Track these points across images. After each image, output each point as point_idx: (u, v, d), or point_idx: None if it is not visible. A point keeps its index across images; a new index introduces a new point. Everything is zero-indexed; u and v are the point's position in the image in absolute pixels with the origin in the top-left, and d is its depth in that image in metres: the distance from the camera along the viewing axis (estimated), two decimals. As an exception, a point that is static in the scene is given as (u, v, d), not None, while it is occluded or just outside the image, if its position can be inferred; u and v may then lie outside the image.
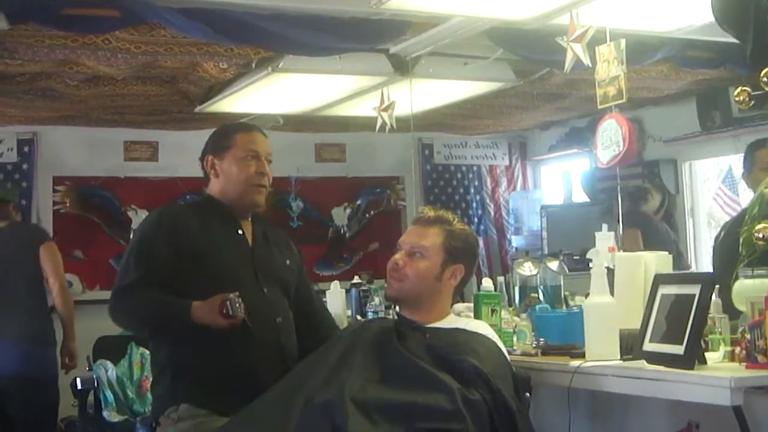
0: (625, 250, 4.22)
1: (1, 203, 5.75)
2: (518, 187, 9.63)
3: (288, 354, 3.59)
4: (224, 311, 3.38)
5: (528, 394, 3.32)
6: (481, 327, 3.50)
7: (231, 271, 3.63)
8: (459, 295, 4.06)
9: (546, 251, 7.77)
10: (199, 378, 3.51)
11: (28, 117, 7.21)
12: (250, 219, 3.83)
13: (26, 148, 7.76)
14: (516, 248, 9.12)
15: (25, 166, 7.60)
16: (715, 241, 5.16)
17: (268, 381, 3.37)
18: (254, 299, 3.55)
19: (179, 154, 8.21)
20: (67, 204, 7.90)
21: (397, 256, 3.46)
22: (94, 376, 6.11)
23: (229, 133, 3.86)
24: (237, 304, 3.39)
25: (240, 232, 3.76)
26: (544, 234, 8.26)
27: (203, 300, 3.46)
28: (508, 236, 9.39)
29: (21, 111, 6.90)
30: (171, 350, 3.61)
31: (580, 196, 8.68)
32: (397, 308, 3.64)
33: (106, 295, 7.84)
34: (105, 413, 5.98)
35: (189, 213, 3.84)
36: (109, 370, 6.09)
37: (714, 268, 5.01)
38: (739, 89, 3.28)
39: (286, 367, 3.50)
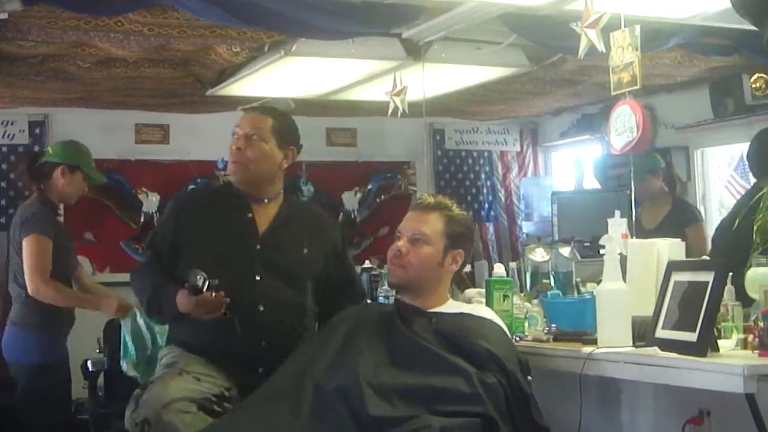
0: (693, 248, 4.13)
1: (44, 168, 5.40)
2: (529, 173, 9.60)
3: (267, 341, 3.70)
4: (185, 284, 3.53)
5: (529, 378, 3.32)
6: (486, 311, 3.55)
7: (223, 256, 3.74)
8: (468, 281, 4.09)
9: (557, 237, 7.75)
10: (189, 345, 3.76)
11: (39, 99, 7.20)
12: (272, 202, 3.93)
13: (37, 130, 7.76)
14: (527, 234, 9.11)
15: (36, 148, 7.54)
16: (718, 229, 5.15)
17: (246, 362, 3.65)
18: (240, 284, 3.67)
19: (190, 137, 8.22)
20: (78, 186, 7.90)
21: (400, 243, 3.48)
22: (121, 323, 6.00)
23: None
24: (198, 277, 3.52)
25: (250, 215, 3.83)
26: (555, 220, 8.23)
27: None
28: (519, 222, 9.38)
29: (33, 93, 6.90)
30: (171, 325, 3.94)
31: (592, 183, 8.66)
32: (395, 294, 3.65)
33: (117, 277, 7.94)
34: (123, 363, 5.82)
35: (203, 197, 4.03)
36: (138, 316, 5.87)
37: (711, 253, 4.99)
38: (756, 76, 3.27)
39: (263, 353, 3.68)
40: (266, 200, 3.90)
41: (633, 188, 5.24)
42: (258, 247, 3.79)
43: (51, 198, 5.37)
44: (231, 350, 3.67)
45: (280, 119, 4.02)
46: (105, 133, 8.02)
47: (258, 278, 3.73)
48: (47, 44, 5.14)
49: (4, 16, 4.40)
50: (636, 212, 5.33)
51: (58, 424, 5.30)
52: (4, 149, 7.71)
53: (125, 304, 5.25)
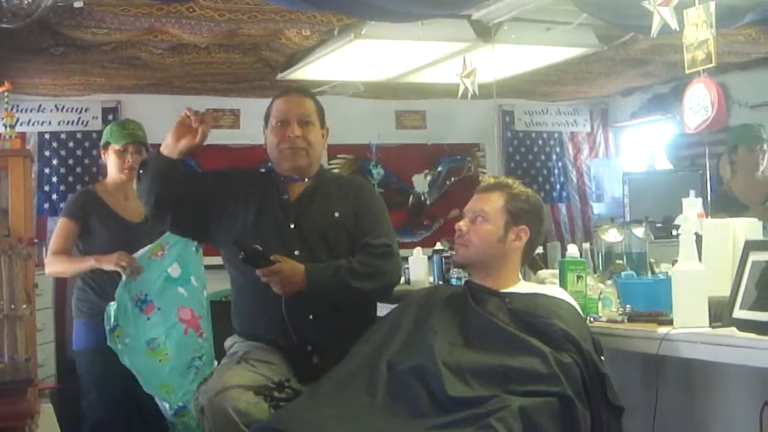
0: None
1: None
2: (600, 154, 9.56)
3: (313, 314, 3.75)
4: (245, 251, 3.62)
5: (602, 358, 3.30)
6: (559, 292, 3.55)
7: (261, 238, 3.75)
8: (540, 262, 4.06)
9: (628, 218, 7.71)
10: (248, 334, 3.86)
11: (112, 85, 7.31)
12: (308, 179, 3.95)
13: (111, 117, 7.83)
14: (598, 215, 9.07)
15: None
16: None
17: (298, 342, 3.71)
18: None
19: (261, 121, 8.24)
20: (151, 171, 8.00)
21: (461, 222, 3.53)
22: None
23: (271, 101, 4.01)
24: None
25: (285, 197, 3.89)
26: (626, 201, 8.20)
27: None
28: (590, 203, 9.33)
29: (106, 79, 7.00)
30: (233, 318, 3.99)
31: (663, 164, 8.59)
32: (467, 275, 3.67)
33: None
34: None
35: (252, 179, 4.02)
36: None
37: None
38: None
39: (312, 328, 3.74)
40: (306, 179, 3.95)
41: (708, 167, 5.16)
42: (292, 225, 3.82)
43: (107, 181, 5.39)
44: (282, 334, 3.72)
45: (316, 100, 4.05)
46: (176, 119, 8.08)
47: (297, 253, 3.75)
48: (120, 31, 5.21)
49: (80, 4, 4.47)
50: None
51: (101, 415, 5.12)
52: (79, 135, 7.84)
53: (128, 257, 5.00)
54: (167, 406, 4.92)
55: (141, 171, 3.86)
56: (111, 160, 5.33)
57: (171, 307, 5.01)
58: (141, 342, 4.91)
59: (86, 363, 5.16)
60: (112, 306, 4.88)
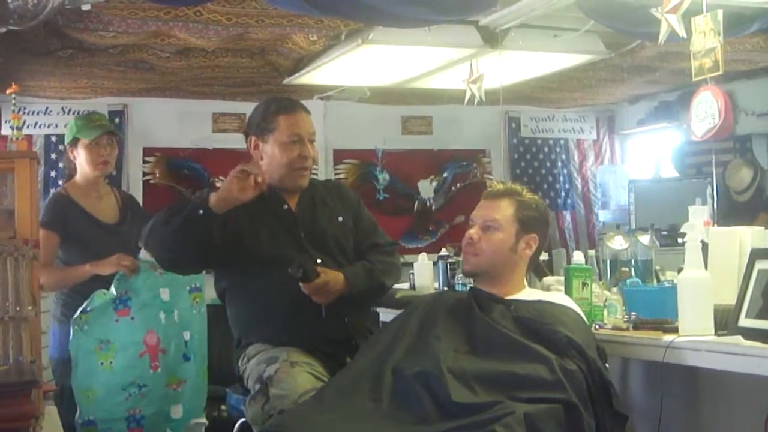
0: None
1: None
2: (606, 162, 9.55)
3: (348, 316, 3.82)
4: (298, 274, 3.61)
5: (606, 365, 3.30)
6: (564, 299, 3.55)
7: (276, 251, 3.76)
8: (546, 268, 4.06)
9: (634, 226, 7.72)
10: (256, 321, 3.84)
11: (119, 89, 7.31)
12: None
13: (117, 120, 7.84)
14: (603, 223, 9.07)
15: (115, 137, 7.69)
16: None
17: (335, 347, 3.74)
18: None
19: (267, 126, 8.26)
20: (157, 175, 8.01)
21: (472, 231, 3.51)
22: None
23: (272, 113, 3.91)
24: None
25: (285, 207, 3.89)
26: (632, 208, 8.22)
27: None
28: (596, 210, 9.33)
29: (112, 83, 7.00)
30: (250, 326, 3.89)
31: (669, 172, 8.59)
32: (472, 281, 3.67)
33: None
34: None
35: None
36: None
37: None
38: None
39: (349, 330, 3.81)
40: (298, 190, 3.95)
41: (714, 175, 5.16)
42: (302, 235, 3.85)
43: (78, 180, 5.12)
44: (320, 338, 3.75)
45: None
46: (183, 123, 8.13)
47: (320, 261, 3.76)
48: (127, 34, 5.20)
49: (87, 7, 4.46)
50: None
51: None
52: (85, 139, 7.83)
53: (129, 258, 4.78)
54: (79, 411, 4.62)
55: (168, 225, 3.63)
56: (82, 157, 5.07)
57: (144, 324, 4.74)
58: (96, 335, 4.67)
59: (69, 375, 4.76)
60: (103, 294, 4.68)
